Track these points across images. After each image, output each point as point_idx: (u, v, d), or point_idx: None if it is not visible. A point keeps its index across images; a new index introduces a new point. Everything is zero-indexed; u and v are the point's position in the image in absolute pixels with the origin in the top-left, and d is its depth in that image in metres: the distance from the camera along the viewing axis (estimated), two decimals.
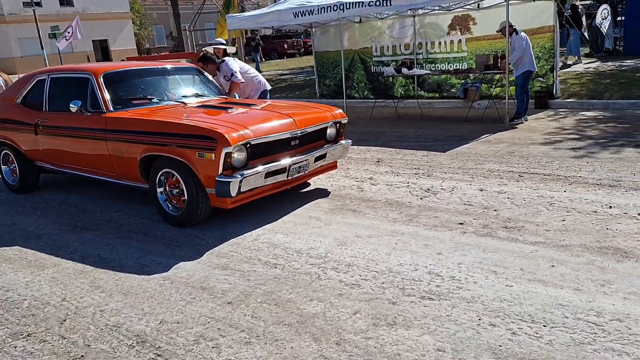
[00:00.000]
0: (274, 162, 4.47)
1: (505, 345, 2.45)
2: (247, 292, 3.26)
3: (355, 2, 9.12)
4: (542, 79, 10.24)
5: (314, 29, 13.35)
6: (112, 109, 4.91)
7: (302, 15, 9.83)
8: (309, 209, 4.76)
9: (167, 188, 4.56)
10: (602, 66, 12.77)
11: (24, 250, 4.31)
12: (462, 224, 4.06)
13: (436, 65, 11.42)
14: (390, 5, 8.82)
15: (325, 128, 5.02)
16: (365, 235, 3.97)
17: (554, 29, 9.95)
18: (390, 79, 12.02)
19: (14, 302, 3.42)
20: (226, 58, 6.68)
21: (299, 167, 4.70)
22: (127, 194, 5.68)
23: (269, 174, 4.41)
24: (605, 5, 15.02)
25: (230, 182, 4.07)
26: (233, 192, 4.14)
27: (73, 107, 4.92)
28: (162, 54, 31.55)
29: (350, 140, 5.27)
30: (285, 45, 33.65)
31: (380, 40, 12.26)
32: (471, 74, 10.62)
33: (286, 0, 10.80)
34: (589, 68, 12.69)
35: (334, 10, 9.40)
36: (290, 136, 4.58)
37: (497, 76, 10.55)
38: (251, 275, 3.49)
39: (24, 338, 2.98)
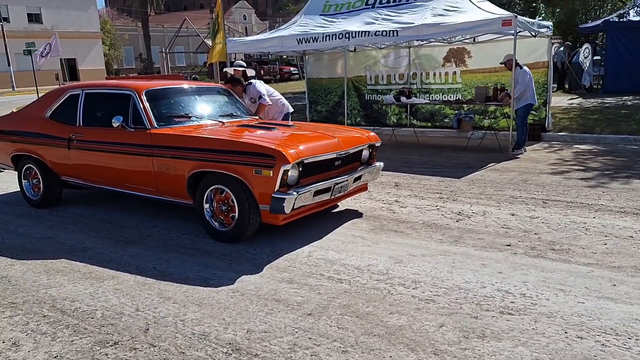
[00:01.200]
0: (320, 181, 4.64)
1: (600, 355, 2.66)
2: (322, 304, 3.38)
3: (362, 32, 9.48)
4: (534, 112, 10.75)
5: (307, 56, 13.66)
6: (156, 125, 5.00)
7: (306, 42, 10.12)
8: (349, 229, 4.92)
9: (215, 204, 4.65)
10: (585, 102, 13.49)
11: (73, 263, 4.33)
12: (509, 245, 4.29)
13: (431, 95, 11.85)
14: (397, 36, 9.22)
15: (362, 150, 5.23)
16: (419, 254, 4.16)
17: (547, 65, 10.53)
18: (384, 107, 12.41)
19: (85, 312, 3.45)
20: (253, 80, 6.87)
21: (341, 187, 4.88)
22: (155, 209, 5.75)
23: (317, 193, 4.57)
24: (587, 45, 15.93)
25: (287, 198, 4.21)
26: (288, 209, 4.28)
27: (115, 123, 4.99)
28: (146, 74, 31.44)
29: (382, 163, 5.48)
30: (262, 72, 34.02)
31: (374, 69, 12.65)
32: (465, 105, 11.07)
33: (289, 26, 11.12)
34: (572, 104, 13.38)
35: (339, 38, 9.73)
36: (336, 156, 4.76)
37: (491, 108, 11.04)
38: (320, 289, 3.62)
39: (111, 346, 3.03)
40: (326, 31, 9.94)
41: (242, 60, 8.95)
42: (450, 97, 11.68)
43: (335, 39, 9.75)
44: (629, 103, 13.17)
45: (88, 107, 5.55)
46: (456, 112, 11.67)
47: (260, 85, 6.81)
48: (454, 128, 11.55)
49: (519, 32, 8.70)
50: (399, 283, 3.64)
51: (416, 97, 11.44)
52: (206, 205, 4.69)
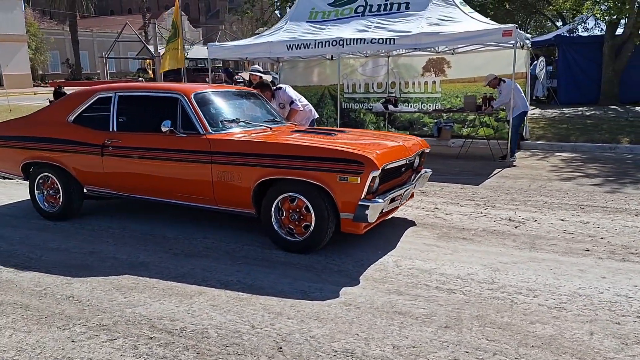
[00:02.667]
0: (392, 188, 4.52)
1: None
2: (452, 316, 3.26)
3: (358, 39, 9.42)
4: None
5: (280, 63, 13.45)
6: (210, 130, 4.68)
7: (296, 49, 9.94)
8: (415, 237, 4.82)
9: (284, 213, 4.40)
10: (546, 112, 14.13)
11: (141, 279, 3.98)
12: (588, 250, 4.34)
13: (410, 104, 11.97)
14: (394, 44, 9.24)
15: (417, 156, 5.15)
16: (510, 262, 4.12)
17: (526, 76, 10.91)
18: (361, 115, 12.45)
19: (195, 332, 3.15)
20: (283, 85, 6.63)
21: (406, 193, 4.78)
22: (191, 218, 5.44)
23: (392, 200, 4.44)
24: (542, 58, 16.72)
25: (373, 206, 4.05)
26: (373, 217, 4.13)
27: (165, 128, 4.63)
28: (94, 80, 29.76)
29: (430, 170, 5.42)
30: (207, 79, 33.23)
31: (352, 77, 12.64)
32: (445, 114, 11.27)
33: (274, 32, 10.87)
34: (534, 113, 13.96)
35: (332, 45, 9.63)
36: (406, 162, 4.65)
37: (470, 117, 11.33)
38: (437, 300, 3.49)
39: None
40: (318, 38, 9.81)
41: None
42: (430, 106, 11.84)
43: (329, 45, 9.64)
44: (587, 113, 13.94)
45: (123, 111, 5.13)
46: (436, 120, 11.85)
47: (291, 91, 6.58)
48: (434, 136, 11.70)
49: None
50: (515, 292, 3.57)
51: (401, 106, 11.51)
52: (274, 215, 4.41)
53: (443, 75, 11.69)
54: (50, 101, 16.66)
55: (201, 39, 52.49)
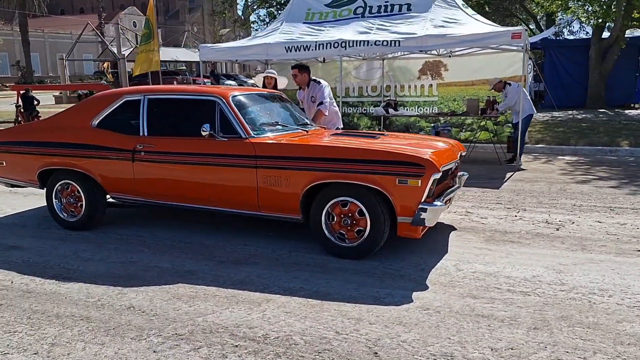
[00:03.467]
0: (444, 190, 4.66)
1: None
2: (537, 318, 3.38)
3: (361, 41, 9.57)
4: (510, 124, 11.45)
5: (269, 66, 13.46)
6: (252, 134, 4.72)
7: (295, 50, 10.01)
8: (463, 241, 4.95)
9: (335, 218, 4.46)
10: (537, 116, 14.57)
11: (199, 287, 4.00)
12: (639, 251, 4.55)
13: (405, 108, 12.18)
14: (399, 46, 9.42)
15: None
16: (570, 264, 4.29)
17: (524, 79, 11.24)
18: (355, 119, 12.62)
19: (287, 339, 3.20)
20: (323, 82, 6.62)
21: (453, 196, 4.92)
22: (221, 224, 5.47)
23: (445, 203, 4.56)
24: (529, 61, 17.22)
25: (433, 209, 4.16)
26: (434, 220, 4.24)
27: (204, 131, 4.65)
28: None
29: (467, 173, 5.57)
30: (175, 83, 32.88)
31: (346, 80, 12.76)
32: (441, 118, 11.52)
33: (270, 33, 10.91)
34: None
35: (334, 47, 9.74)
36: (455, 164, 4.79)
37: (468, 121, 11.63)
38: (515, 302, 3.61)
39: None
40: (318, 39, 9.91)
41: (272, 68, 8.58)
42: (426, 110, 12.09)
43: (330, 47, 9.74)
44: (579, 117, 14.46)
45: (154, 114, 5.10)
46: (433, 124, 12.08)
47: (328, 90, 6.56)
48: None
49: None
50: (589, 292, 3.73)
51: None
52: (324, 220, 4.47)
53: (440, 79, 11.94)
54: (17, 106, 16.21)
55: (160, 40, 51.82)
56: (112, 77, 35.85)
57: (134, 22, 72.98)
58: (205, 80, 35.60)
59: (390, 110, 11.09)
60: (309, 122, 5.65)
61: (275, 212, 4.68)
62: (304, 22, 10.85)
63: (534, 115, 9.56)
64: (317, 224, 4.49)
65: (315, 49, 9.82)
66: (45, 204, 5.61)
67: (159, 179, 4.98)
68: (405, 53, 11.49)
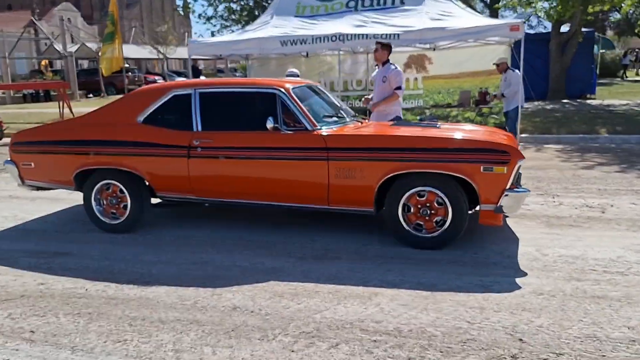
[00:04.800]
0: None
1: None
2: None
3: (360, 35, 9.54)
4: (496, 116, 11.72)
5: (250, 61, 13.24)
6: (318, 126, 4.60)
7: (292, 44, 9.87)
8: (523, 227, 5.00)
9: (412, 209, 4.41)
10: None
11: (292, 284, 3.87)
12: None
13: None
14: (398, 39, 9.45)
15: None
16: None
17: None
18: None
19: (422, 332, 3.15)
20: (397, 66, 6.50)
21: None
22: (273, 219, 5.33)
23: None
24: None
25: (519, 195, 4.19)
26: (518, 208, 4.27)
27: (269, 125, 4.50)
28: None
29: None
30: (126, 80, 31.62)
31: (330, 75, 12.71)
32: (427, 110, 11.65)
33: (261, 27, 10.69)
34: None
35: (332, 40, 9.66)
36: None
37: (453, 113, 11.82)
38: (620, 282, 3.69)
39: (511, 357, 2.80)
40: (314, 33, 9.80)
41: (295, 69, 8.25)
42: (412, 103, 12.19)
43: (328, 41, 9.66)
44: (549, 107, 14.99)
45: (208, 109, 4.88)
46: (419, 117, 12.20)
47: (402, 77, 6.45)
48: None
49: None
50: None
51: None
52: (401, 212, 4.41)
53: (424, 72, 12.04)
54: None
55: (97, 36, 49.91)
56: (52, 75, 34.15)
57: (68, 18, 69.74)
58: (156, 77, 34.65)
59: None
60: (353, 114, 5.54)
61: (346, 205, 4.57)
62: (295, 16, 10.70)
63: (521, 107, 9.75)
64: (394, 216, 4.42)
65: (313, 43, 9.70)
66: (65, 207, 5.27)
67: (219, 176, 4.77)
68: (420, 45, 11.50)
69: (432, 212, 4.37)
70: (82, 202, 6.08)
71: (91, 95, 30.70)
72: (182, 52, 44.24)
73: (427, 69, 12.02)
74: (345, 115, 5.18)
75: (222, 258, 4.39)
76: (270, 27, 10.36)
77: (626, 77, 28.83)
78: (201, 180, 4.81)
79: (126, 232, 5.11)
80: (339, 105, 5.44)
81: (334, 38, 9.58)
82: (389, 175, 4.33)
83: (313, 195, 4.58)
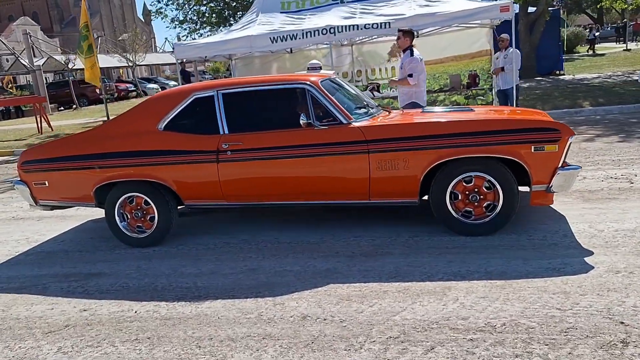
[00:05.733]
0: None
1: None
2: None
3: (350, 26, 9.22)
4: (482, 97, 11.58)
5: (234, 61, 12.80)
6: (353, 119, 4.30)
7: (282, 40, 9.49)
8: (562, 204, 4.79)
9: (460, 196, 4.16)
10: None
11: (353, 285, 3.57)
12: None
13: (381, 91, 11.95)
14: (389, 28, 9.17)
15: None
16: None
17: (490, 53, 11.39)
18: None
19: (516, 325, 2.89)
20: (416, 54, 6.23)
21: None
22: (304, 217, 5.01)
23: None
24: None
25: (572, 173, 3.98)
26: (570, 185, 4.05)
27: (303, 121, 4.18)
28: None
29: None
30: (97, 91, 30.51)
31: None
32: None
33: (247, 25, 10.27)
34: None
35: (323, 34, 9.33)
36: None
37: (440, 97, 11.62)
38: None
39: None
40: (304, 28, 9.43)
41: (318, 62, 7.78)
42: (396, 90, 11.90)
43: (318, 34, 9.32)
44: (525, 85, 14.91)
45: (234, 109, 4.52)
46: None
47: (422, 67, 6.24)
48: None
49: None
50: None
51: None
52: (449, 200, 4.14)
53: None
54: None
55: (59, 49, 48.38)
56: (18, 91, 32.82)
57: (28, 32, 67.38)
58: (128, 85, 33.52)
59: (375, 93, 10.79)
60: (377, 104, 5.25)
61: (388, 198, 4.28)
62: (281, 12, 10.33)
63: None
64: (442, 204, 4.15)
65: (303, 37, 9.34)
66: (76, 224, 4.84)
67: (252, 178, 4.42)
68: (373, 37, 11.26)
69: (481, 197, 4.10)
70: (93, 218, 5.74)
71: (62, 108, 29.60)
72: (150, 59, 43.32)
73: None
74: (371, 106, 4.87)
75: (270, 264, 4.06)
76: (258, 25, 9.96)
77: (594, 51, 28.87)
78: (233, 184, 4.45)
79: (155, 245, 4.72)
80: (361, 95, 5.12)
81: (324, 31, 9.24)
82: (435, 164, 4.04)
83: (353, 190, 4.28)
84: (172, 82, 40.04)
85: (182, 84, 16.25)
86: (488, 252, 3.84)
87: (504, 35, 9.12)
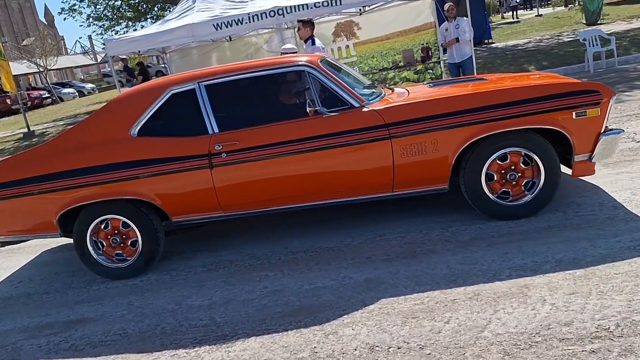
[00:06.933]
0: None
1: None
2: None
3: (300, 5, 8.50)
4: (431, 71, 11.22)
5: (169, 54, 11.76)
6: (366, 101, 3.66)
7: (227, 26, 8.65)
8: (600, 168, 4.36)
9: (496, 177, 3.63)
10: None
11: (410, 297, 2.97)
12: None
13: None
14: (341, 4, 8.55)
15: None
16: None
17: (434, 25, 11.00)
18: None
19: (619, 325, 2.38)
20: (317, 42, 5.84)
21: None
22: (312, 220, 4.33)
23: None
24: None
25: (616, 137, 3.56)
26: (614, 152, 3.62)
27: (310, 108, 3.50)
28: None
29: None
30: (8, 101, 27.84)
31: (258, 56, 11.52)
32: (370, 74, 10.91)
33: (184, 13, 9.29)
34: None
35: (271, 16, 8.57)
36: None
37: (390, 75, 11.19)
38: None
39: None
40: (249, 11, 8.61)
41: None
42: None
43: (267, 17, 8.56)
44: (525, 47, 14.53)
45: (222, 103, 3.76)
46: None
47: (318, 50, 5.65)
48: None
49: None
50: None
51: None
52: (484, 181, 3.61)
53: (355, 38, 11.26)
54: None
55: None
56: None
57: None
58: (41, 92, 30.75)
59: None
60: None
61: (415, 187, 3.69)
62: None
63: None
64: (477, 187, 3.62)
65: (250, 21, 8.53)
66: (30, 257, 4.02)
67: (255, 182, 3.68)
68: (316, 17, 10.57)
69: (519, 175, 3.59)
70: (48, 247, 4.80)
71: None
72: (63, 62, 40.32)
73: (357, 34, 11.22)
74: (374, 85, 4.24)
75: (295, 281, 3.37)
76: (197, 12, 9.00)
77: (517, 17, 29.17)
78: (232, 192, 3.70)
79: (141, 274, 3.89)
80: (358, 75, 4.47)
81: (272, 13, 8.48)
82: (469, 142, 3.48)
83: (375, 182, 3.65)
84: (90, 85, 37.44)
85: (127, 80, 14.81)
86: (542, 237, 3.34)
87: (450, 4, 8.53)
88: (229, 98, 3.75)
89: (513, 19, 28.41)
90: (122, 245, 3.88)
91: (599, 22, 17.35)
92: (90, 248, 3.86)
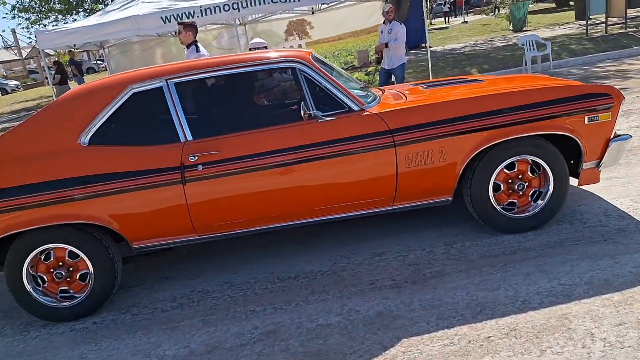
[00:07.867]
0: None
1: None
2: None
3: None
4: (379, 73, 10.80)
5: (107, 49, 10.70)
6: (366, 103, 3.11)
7: (176, 19, 7.79)
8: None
9: (503, 186, 3.20)
10: None
11: (439, 335, 2.46)
12: None
13: None
14: (298, 1, 7.95)
15: None
16: None
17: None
18: None
19: None
20: (200, 46, 5.06)
21: None
22: (284, 245, 3.73)
23: None
24: None
25: (624, 142, 3.22)
26: (620, 158, 3.28)
27: (305, 112, 2.92)
28: None
29: None
30: None
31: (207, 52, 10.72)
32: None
33: (126, 5, 8.31)
34: None
35: (225, 10, 7.82)
36: None
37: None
38: None
39: None
40: (202, 4, 7.80)
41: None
42: None
43: (220, 11, 7.81)
44: (463, 51, 14.28)
45: (194, 105, 3.09)
46: None
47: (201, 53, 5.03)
48: None
49: None
50: None
51: None
52: (491, 192, 3.16)
53: (307, 37, 10.71)
54: None
55: None
56: None
57: None
58: None
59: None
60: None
61: (418, 199, 3.20)
62: None
63: None
64: (484, 199, 3.17)
65: (202, 15, 7.75)
66: None
67: (237, 197, 3.04)
68: (268, 15, 9.98)
69: (527, 184, 3.15)
70: None
71: None
72: None
73: (309, 34, 10.66)
74: (367, 86, 3.70)
75: (291, 318, 2.78)
76: (142, 3, 8.08)
77: (449, 23, 29.31)
78: (209, 211, 3.04)
79: (93, 314, 3.12)
80: (349, 76, 3.89)
81: (226, 7, 7.72)
82: (480, 149, 3.01)
83: (375, 195, 3.13)
84: (13, 82, 34.35)
85: (74, 75, 13.23)
86: (559, 254, 2.95)
87: (391, 6, 7.74)
88: (205, 99, 3.09)
89: (446, 24, 28.68)
90: (68, 279, 3.10)
91: (524, 28, 17.64)
92: (27, 284, 3.04)
